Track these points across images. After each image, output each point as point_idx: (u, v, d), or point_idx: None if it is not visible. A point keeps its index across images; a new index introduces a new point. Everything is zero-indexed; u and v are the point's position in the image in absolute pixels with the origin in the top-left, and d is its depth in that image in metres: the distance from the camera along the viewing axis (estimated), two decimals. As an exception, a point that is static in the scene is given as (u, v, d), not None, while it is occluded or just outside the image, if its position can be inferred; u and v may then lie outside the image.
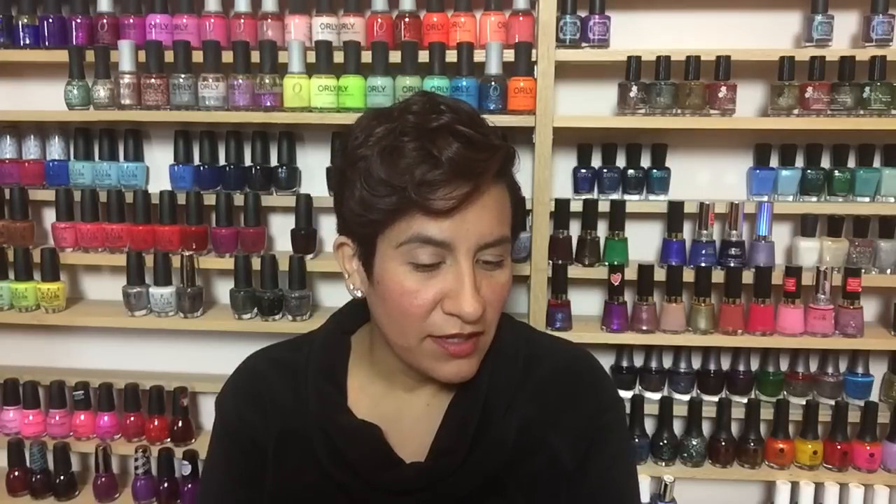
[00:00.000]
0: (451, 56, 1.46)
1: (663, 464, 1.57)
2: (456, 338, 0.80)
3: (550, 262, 1.53)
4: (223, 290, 1.67)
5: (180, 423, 1.62)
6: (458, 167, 0.74)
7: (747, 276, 1.51)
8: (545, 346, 0.96)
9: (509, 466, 0.86)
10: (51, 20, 1.53)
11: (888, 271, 1.53)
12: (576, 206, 1.55)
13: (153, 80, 1.50)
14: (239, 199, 1.57)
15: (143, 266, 1.58)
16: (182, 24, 1.52)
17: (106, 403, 1.63)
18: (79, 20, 1.53)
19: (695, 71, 1.46)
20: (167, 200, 1.56)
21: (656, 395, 1.59)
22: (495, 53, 1.45)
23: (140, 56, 1.51)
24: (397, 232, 0.78)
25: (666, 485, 1.52)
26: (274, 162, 1.61)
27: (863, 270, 1.50)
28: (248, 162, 1.61)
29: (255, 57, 1.49)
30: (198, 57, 1.50)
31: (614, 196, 1.57)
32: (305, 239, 1.57)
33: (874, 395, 1.58)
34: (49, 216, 1.67)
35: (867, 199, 1.53)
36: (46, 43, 1.54)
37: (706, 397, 1.58)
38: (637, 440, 1.57)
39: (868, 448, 1.52)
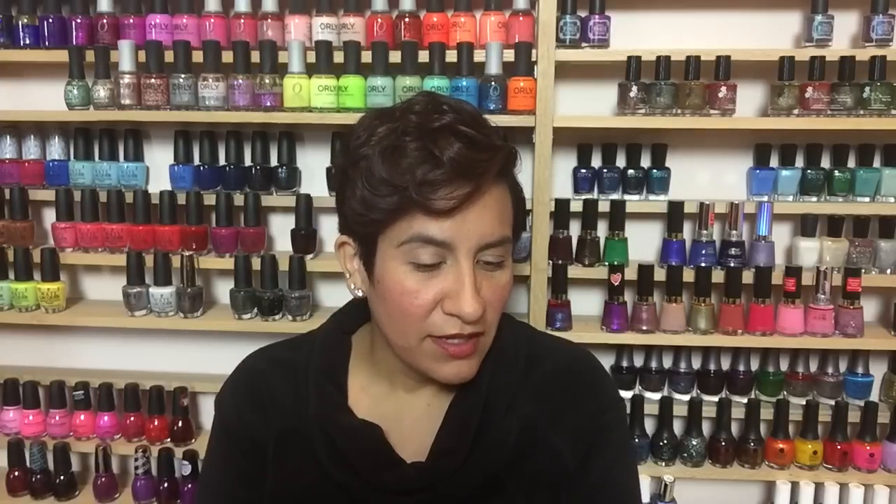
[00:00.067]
0: (451, 56, 1.46)
1: (663, 464, 1.57)
2: (456, 338, 0.80)
3: (550, 262, 1.53)
4: (223, 290, 1.67)
5: (180, 423, 1.62)
6: (460, 167, 0.74)
7: (747, 276, 1.51)
8: (546, 346, 0.96)
9: (510, 466, 0.86)
10: (51, 20, 1.53)
11: (888, 271, 1.53)
12: (576, 206, 1.55)
13: (153, 80, 1.50)
14: (239, 199, 1.57)
15: (143, 266, 1.58)
16: (182, 24, 1.52)
17: (106, 403, 1.63)
18: (79, 20, 1.53)
19: (695, 71, 1.46)
20: (167, 200, 1.56)
21: (656, 395, 1.59)
22: (495, 53, 1.45)
23: (140, 56, 1.51)
24: (398, 231, 0.78)
25: (666, 485, 1.52)
26: (274, 162, 1.61)
27: (863, 270, 1.50)
28: (248, 162, 1.61)
29: (255, 57, 1.49)
30: (198, 57, 1.50)
31: (614, 196, 1.57)
32: (305, 239, 1.57)
33: (874, 395, 1.58)
34: (49, 216, 1.67)
35: (867, 199, 1.53)
36: (46, 43, 1.54)
37: (706, 397, 1.59)
38: (637, 440, 1.57)
39: (868, 448, 1.52)
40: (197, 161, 1.62)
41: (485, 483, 0.85)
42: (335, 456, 0.86)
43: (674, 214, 1.53)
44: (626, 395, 1.57)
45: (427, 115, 0.78)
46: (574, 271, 1.55)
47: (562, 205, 1.54)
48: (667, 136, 1.57)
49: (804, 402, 1.55)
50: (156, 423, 1.62)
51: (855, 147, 1.55)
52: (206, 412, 1.74)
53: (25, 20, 1.54)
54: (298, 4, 1.51)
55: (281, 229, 1.66)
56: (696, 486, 1.61)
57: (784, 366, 1.59)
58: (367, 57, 1.47)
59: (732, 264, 1.52)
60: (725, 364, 1.61)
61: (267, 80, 1.48)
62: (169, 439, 1.63)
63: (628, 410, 1.53)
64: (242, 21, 1.51)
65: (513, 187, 0.84)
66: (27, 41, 1.54)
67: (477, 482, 0.85)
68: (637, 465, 1.00)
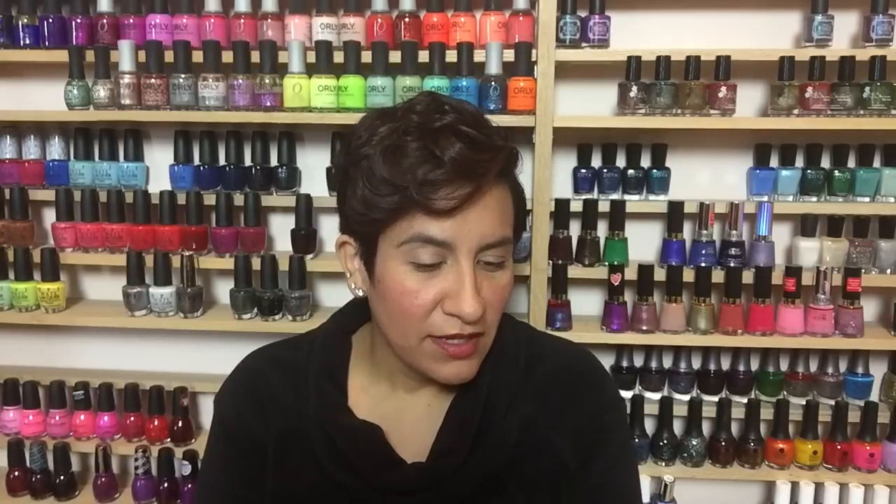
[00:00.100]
0: (451, 56, 1.46)
1: (663, 464, 1.57)
2: (456, 338, 0.80)
3: (550, 262, 1.53)
4: (223, 290, 1.67)
5: (180, 423, 1.62)
6: (460, 167, 0.74)
7: (747, 276, 1.51)
8: (546, 346, 0.96)
9: (510, 466, 0.86)
10: (51, 20, 1.53)
11: (888, 271, 1.53)
12: (576, 206, 1.55)
13: (153, 80, 1.50)
14: (239, 199, 1.57)
15: (143, 266, 1.58)
16: (182, 24, 1.52)
17: (106, 403, 1.63)
18: (79, 20, 1.53)
19: (695, 71, 1.46)
20: (167, 200, 1.56)
21: (656, 395, 1.59)
22: (495, 53, 1.45)
23: (140, 56, 1.51)
24: (398, 231, 0.78)
25: (666, 485, 1.52)
26: (274, 162, 1.61)
27: (863, 270, 1.50)
28: (248, 162, 1.61)
29: (255, 57, 1.49)
30: (198, 57, 1.50)
31: (614, 196, 1.57)
32: (305, 239, 1.57)
33: (874, 395, 1.58)
34: (49, 216, 1.67)
35: (867, 199, 1.53)
36: (46, 43, 1.54)
37: (706, 397, 1.59)
38: (637, 440, 1.57)
39: (868, 448, 1.52)
40: (197, 161, 1.62)
41: (485, 483, 0.85)
42: (335, 456, 0.86)
43: (674, 214, 1.53)
44: (626, 395, 1.57)
45: (428, 114, 0.78)
46: (574, 271, 1.55)
47: (562, 205, 1.54)
48: (667, 136, 1.58)
49: (804, 402, 1.55)
50: (156, 423, 1.62)
51: (855, 147, 1.55)
52: (206, 412, 1.74)
53: (25, 20, 1.54)
54: (298, 4, 1.51)
55: (281, 229, 1.66)
56: (696, 486, 1.61)
57: (784, 366, 1.59)
58: (367, 57, 1.47)
59: (732, 264, 1.52)
60: (725, 364, 1.61)
61: (267, 80, 1.48)
62: (169, 439, 1.63)
63: (628, 410, 1.53)
64: (242, 21, 1.51)
65: (514, 188, 0.84)
66: (27, 41, 1.54)
67: (477, 482, 0.85)
68: (637, 465, 0.99)
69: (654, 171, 1.56)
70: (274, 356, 0.97)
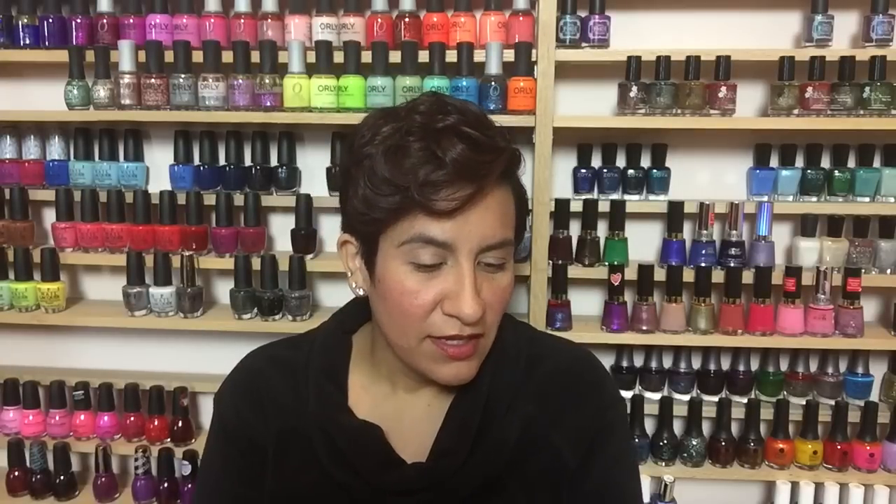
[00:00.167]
0: (451, 56, 1.46)
1: (663, 464, 1.57)
2: (455, 339, 0.80)
3: (550, 262, 1.53)
4: (223, 290, 1.67)
5: (180, 423, 1.62)
6: (462, 168, 0.74)
7: (747, 276, 1.51)
8: (547, 345, 0.96)
9: (511, 466, 0.86)
10: (51, 20, 1.53)
11: (888, 271, 1.53)
12: (576, 206, 1.55)
13: (153, 80, 1.49)
14: (239, 199, 1.57)
15: (143, 266, 1.58)
16: (182, 24, 1.51)
17: (106, 403, 1.63)
18: (79, 20, 1.53)
19: (695, 71, 1.46)
20: (167, 200, 1.56)
21: (656, 395, 1.59)
22: (495, 53, 1.45)
23: (140, 56, 1.51)
24: (399, 231, 0.78)
25: (666, 485, 1.52)
26: (274, 162, 1.61)
27: (863, 270, 1.50)
28: (248, 162, 1.61)
29: (255, 57, 1.49)
30: (198, 57, 1.50)
31: (614, 196, 1.57)
32: (305, 239, 1.57)
33: (874, 395, 1.58)
34: (49, 216, 1.67)
35: (867, 199, 1.53)
36: (46, 43, 1.54)
37: (706, 397, 1.59)
38: (637, 440, 1.57)
39: (868, 448, 1.52)
40: (197, 161, 1.62)
41: (485, 483, 0.85)
42: (335, 456, 0.86)
43: (674, 214, 1.53)
44: (626, 395, 1.57)
45: (431, 115, 0.78)
46: (574, 271, 1.55)
47: (562, 205, 1.54)
48: (667, 136, 1.57)
49: (804, 402, 1.55)
50: (156, 423, 1.62)
51: (855, 147, 1.55)
52: (206, 412, 1.74)
53: (25, 20, 1.53)
54: (298, 4, 1.51)
55: (281, 229, 1.66)
56: (696, 486, 1.61)
57: (784, 366, 1.59)
58: (367, 57, 1.47)
59: (732, 264, 1.52)
60: (725, 364, 1.61)
61: (267, 80, 1.48)
62: (169, 439, 1.63)
63: (628, 410, 1.53)
64: (242, 21, 1.51)
65: (516, 189, 0.84)
66: (27, 41, 1.54)
67: (478, 482, 0.85)
68: (638, 464, 0.99)
69: (654, 171, 1.56)
70: (274, 355, 0.97)
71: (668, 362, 1.61)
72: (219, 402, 0.96)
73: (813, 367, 1.59)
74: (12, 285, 1.59)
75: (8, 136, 1.63)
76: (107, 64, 1.53)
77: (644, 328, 1.52)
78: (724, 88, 1.45)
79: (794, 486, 1.55)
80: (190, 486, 1.60)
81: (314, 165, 1.64)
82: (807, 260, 1.53)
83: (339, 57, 1.47)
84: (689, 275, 1.52)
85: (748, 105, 1.57)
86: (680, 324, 1.52)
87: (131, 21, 1.53)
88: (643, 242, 1.62)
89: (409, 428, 0.89)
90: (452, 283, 0.78)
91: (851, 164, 1.56)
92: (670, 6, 1.56)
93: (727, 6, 1.55)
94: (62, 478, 1.62)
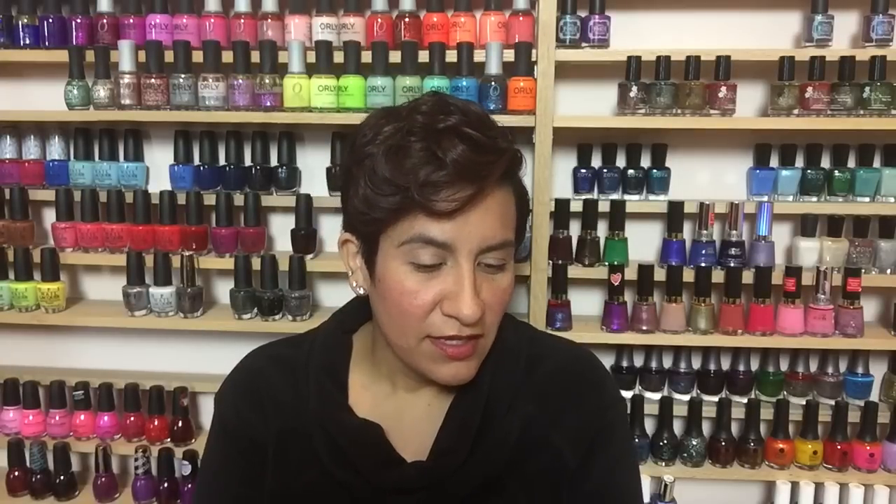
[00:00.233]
0: (451, 56, 1.46)
1: (663, 464, 1.57)
2: (454, 339, 0.80)
3: (550, 262, 1.53)
4: (223, 290, 1.67)
5: (180, 423, 1.62)
6: (462, 169, 0.74)
7: (747, 276, 1.51)
8: (547, 345, 0.96)
9: (511, 466, 0.86)
10: (51, 20, 1.53)
11: (888, 271, 1.53)
12: (576, 206, 1.55)
13: (153, 80, 1.49)
14: (239, 199, 1.57)
15: (143, 266, 1.58)
16: (182, 24, 1.51)
17: (106, 403, 1.63)
18: (79, 20, 1.53)
19: (695, 71, 1.46)
20: (167, 200, 1.56)
21: (656, 395, 1.59)
22: (495, 53, 1.45)
23: (140, 56, 1.51)
24: (399, 231, 0.78)
25: (666, 485, 1.52)
26: (274, 162, 1.61)
27: (863, 270, 1.50)
28: (248, 162, 1.61)
29: (255, 57, 1.49)
30: (198, 57, 1.50)
31: (614, 196, 1.57)
32: (305, 239, 1.57)
33: (874, 395, 1.58)
34: (49, 216, 1.67)
35: (867, 199, 1.53)
36: (46, 43, 1.54)
37: (706, 397, 1.59)
38: (637, 440, 1.57)
39: (868, 448, 1.52)
40: (197, 161, 1.62)
41: (485, 483, 0.85)
42: (336, 454, 0.86)
43: (674, 214, 1.53)
44: (626, 395, 1.57)
45: (433, 115, 0.78)
46: (574, 271, 1.55)
47: (562, 205, 1.54)
48: (667, 136, 1.58)
49: (804, 402, 1.55)
50: (156, 423, 1.62)
51: (855, 147, 1.55)
52: (206, 412, 1.74)
53: (25, 20, 1.53)
54: (298, 4, 1.51)
55: (281, 229, 1.66)
56: (696, 486, 1.61)
57: (784, 366, 1.59)
58: (367, 57, 1.47)
59: (732, 264, 1.52)
60: (725, 364, 1.61)
61: (267, 80, 1.48)
62: (169, 439, 1.63)
63: (628, 410, 1.53)
64: (242, 21, 1.51)
65: (517, 190, 0.84)
66: (27, 41, 1.54)
67: (478, 482, 0.85)
68: (638, 464, 1.00)
69: (654, 171, 1.56)
70: (274, 355, 0.97)
71: (668, 362, 1.61)
72: (219, 402, 0.96)
73: (813, 367, 1.59)
74: (12, 285, 1.59)
75: (8, 136, 1.63)
76: (107, 64, 1.53)
77: (644, 328, 1.52)
78: (724, 88, 1.45)
79: (794, 486, 1.55)
80: (190, 486, 1.60)
81: (314, 165, 1.64)
82: (807, 260, 1.53)
83: (339, 57, 1.47)
84: (689, 275, 1.52)
85: (748, 105, 1.57)
86: (680, 324, 1.52)
87: (131, 21, 1.53)
88: (643, 242, 1.62)
89: (409, 427, 0.89)
90: (452, 284, 0.78)
91: (851, 164, 1.56)
92: (670, 6, 1.56)
93: (727, 6, 1.55)
94: (62, 478, 1.62)
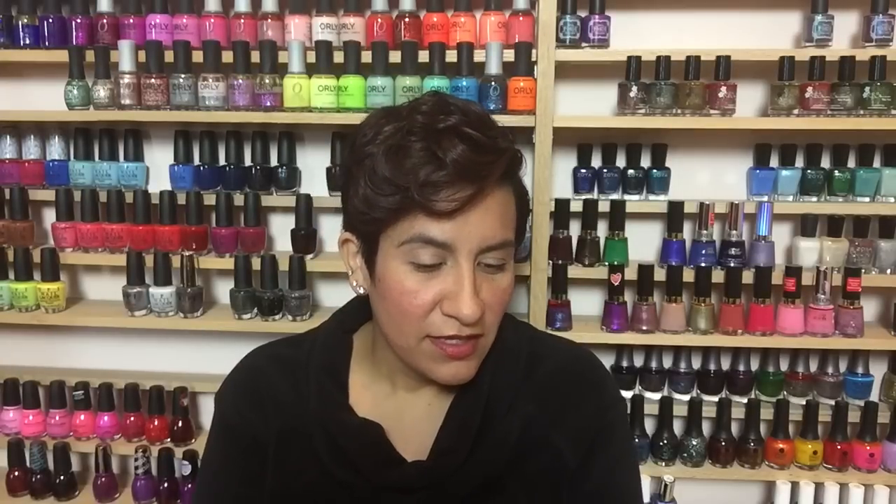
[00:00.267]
0: (451, 56, 1.46)
1: (663, 464, 1.57)
2: (454, 339, 0.80)
3: (550, 262, 1.53)
4: (223, 290, 1.67)
5: (180, 423, 1.62)
6: (462, 169, 0.74)
7: (747, 276, 1.51)
8: (547, 345, 0.96)
9: (511, 465, 0.86)
10: (51, 20, 1.53)
11: (888, 271, 1.53)
12: (576, 206, 1.55)
13: (153, 80, 1.49)
14: (239, 199, 1.57)
15: (143, 266, 1.58)
16: (182, 24, 1.51)
17: (106, 403, 1.63)
18: (79, 20, 1.53)
19: (695, 71, 1.46)
20: (167, 200, 1.56)
21: (656, 395, 1.59)
22: (495, 53, 1.45)
23: (140, 56, 1.51)
24: (399, 231, 0.78)
25: (666, 485, 1.52)
26: (274, 162, 1.61)
27: (863, 270, 1.50)
28: (248, 162, 1.61)
29: (255, 57, 1.49)
30: (198, 57, 1.50)
31: (614, 196, 1.57)
32: (305, 239, 1.57)
33: (874, 395, 1.58)
34: (49, 216, 1.67)
35: (867, 199, 1.53)
36: (46, 43, 1.54)
37: (706, 397, 1.59)
38: (637, 440, 1.57)
39: (868, 448, 1.52)
40: (197, 161, 1.62)
41: (486, 482, 0.85)
42: (336, 454, 0.86)
43: (674, 214, 1.53)
44: (626, 395, 1.57)
45: (433, 115, 0.78)
46: (574, 271, 1.55)
47: (562, 205, 1.54)
48: (667, 136, 1.58)
49: (804, 402, 1.55)
50: (156, 423, 1.62)
51: (855, 147, 1.55)
52: (206, 412, 1.74)
53: (25, 20, 1.53)
54: (298, 4, 1.51)
55: (281, 229, 1.66)
56: (696, 486, 1.61)
57: (784, 366, 1.59)
58: (367, 57, 1.47)
59: (732, 264, 1.52)
60: (725, 364, 1.61)
61: (267, 80, 1.48)
62: (169, 439, 1.63)
63: (628, 410, 1.53)
64: (242, 21, 1.51)
65: (518, 190, 0.84)
66: (27, 41, 1.54)
67: (478, 481, 0.85)
68: (638, 464, 1.00)
69: (654, 171, 1.56)
70: (275, 354, 0.97)
71: (668, 362, 1.61)
72: (220, 401, 0.96)
73: (813, 367, 1.59)
74: (12, 285, 1.59)
75: (8, 136, 1.63)
76: (107, 64, 1.53)
77: (644, 328, 1.52)
78: (724, 88, 1.45)
79: (794, 486, 1.55)
80: (190, 486, 1.60)
81: (314, 165, 1.64)
82: (807, 260, 1.53)
83: (339, 57, 1.47)
84: (689, 275, 1.52)
85: (748, 105, 1.57)
86: (680, 324, 1.52)
87: (131, 21, 1.53)
88: (643, 242, 1.62)
89: (409, 427, 0.89)
90: (452, 284, 0.78)
91: (851, 164, 1.56)
92: (670, 6, 1.56)
93: (727, 6, 1.55)
94: (62, 478, 1.62)
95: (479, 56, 1.46)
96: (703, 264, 1.52)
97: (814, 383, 1.58)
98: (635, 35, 1.54)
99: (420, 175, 0.74)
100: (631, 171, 1.56)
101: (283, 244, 1.66)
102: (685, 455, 1.57)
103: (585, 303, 1.63)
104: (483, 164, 0.75)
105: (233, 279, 1.56)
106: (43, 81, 1.64)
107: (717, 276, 1.52)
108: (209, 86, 1.49)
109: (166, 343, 1.73)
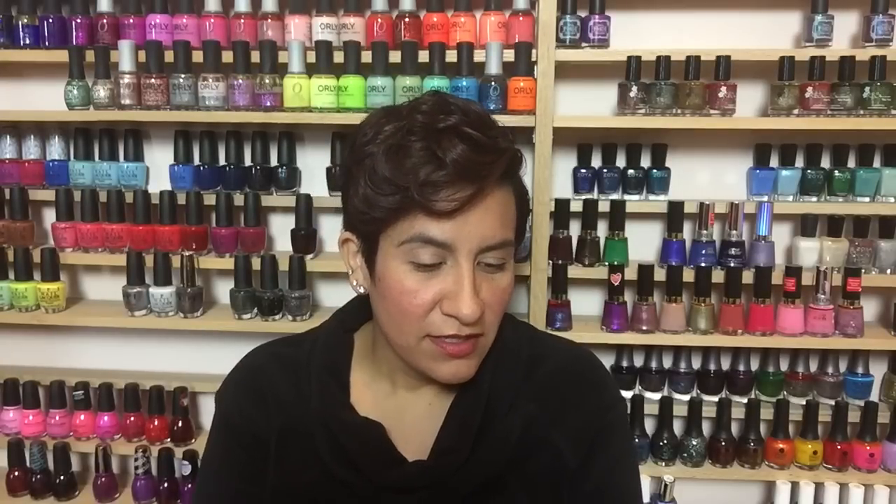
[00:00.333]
0: (451, 56, 1.46)
1: (663, 464, 1.57)
2: (454, 338, 0.80)
3: (550, 262, 1.53)
4: (223, 290, 1.67)
5: (180, 423, 1.62)
6: (462, 169, 0.74)
7: (747, 276, 1.51)
8: (548, 345, 0.96)
9: (512, 465, 0.86)
10: (51, 20, 1.53)
11: (888, 271, 1.53)
12: (576, 206, 1.55)
13: (153, 80, 1.49)
14: (239, 199, 1.57)
15: (143, 266, 1.58)
16: (182, 24, 1.52)
17: (106, 403, 1.63)
18: (79, 20, 1.53)
19: (695, 71, 1.46)
20: (167, 200, 1.56)
21: (656, 395, 1.59)
22: (495, 53, 1.45)
23: (140, 56, 1.51)
24: (399, 231, 0.78)
25: (666, 485, 1.52)
26: (274, 162, 1.61)
27: (863, 270, 1.50)
28: (248, 162, 1.61)
29: (255, 57, 1.49)
30: (198, 57, 1.50)
31: (614, 196, 1.57)
32: (305, 239, 1.57)
33: (874, 395, 1.58)
34: (49, 216, 1.67)
35: (867, 199, 1.53)
36: (46, 43, 1.54)
37: (706, 397, 1.59)
38: (637, 440, 1.57)
39: (868, 448, 1.52)
40: (197, 161, 1.62)
41: (486, 482, 0.85)
42: (337, 453, 0.86)
43: (674, 214, 1.53)
44: (626, 395, 1.57)
45: (433, 115, 0.78)
46: (574, 271, 1.55)
47: (562, 205, 1.54)
48: (667, 136, 1.58)
49: (804, 402, 1.55)
50: (156, 423, 1.62)
51: (855, 147, 1.55)
52: (206, 412, 1.74)
53: (25, 20, 1.53)
54: (298, 4, 1.51)
55: (281, 229, 1.66)
56: (696, 486, 1.61)
57: (784, 366, 1.59)
58: (367, 57, 1.47)
59: (732, 264, 1.52)
60: (725, 364, 1.61)
61: (267, 80, 1.48)
62: (169, 439, 1.63)
63: (629, 410, 1.53)
64: (242, 21, 1.51)
65: (518, 190, 0.84)
66: (27, 41, 1.54)
67: (479, 480, 0.85)
68: (638, 464, 1.00)
69: (654, 171, 1.56)
70: (276, 353, 0.97)
71: (668, 362, 1.61)
72: (221, 399, 0.96)
73: (813, 367, 1.59)
74: (12, 285, 1.59)
75: (8, 136, 1.63)
76: (107, 64, 1.53)
77: (644, 328, 1.52)
78: (724, 88, 1.45)
79: (794, 486, 1.55)
80: (190, 486, 1.60)
81: (314, 165, 1.64)
82: (807, 260, 1.53)
83: (339, 57, 1.47)
84: (689, 275, 1.52)
85: (748, 105, 1.57)
86: (680, 324, 1.52)
87: (131, 21, 1.53)
88: (643, 242, 1.62)
89: (410, 426, 0.89)
90: (451, 283, 0.78)
91: (851, 164, 1.56)
92: (670, 6, 1.56)
93: (727, 6, 1.55)
94: (62, 478, 1.62)
95: (479, 56, 1.46)
96: (703, 264, 1.52)
97: (814, 383, 1.58)
98: (635, 35, 1.54)
99: (420, 175, 0.74)
100: (631, 171, 1.56)
101: (283, 244, 1.66)
102: (685, 455, 1.57)
103: (585, 303, 1.63)
104: (483, 163, 0.76)
105: (233, 279, 1.56)
106: (43, 81, 1.64)
107: (717, 276, 1.52)
108: (209, 86, 1.49)
109: (166, 343, 1.73)
